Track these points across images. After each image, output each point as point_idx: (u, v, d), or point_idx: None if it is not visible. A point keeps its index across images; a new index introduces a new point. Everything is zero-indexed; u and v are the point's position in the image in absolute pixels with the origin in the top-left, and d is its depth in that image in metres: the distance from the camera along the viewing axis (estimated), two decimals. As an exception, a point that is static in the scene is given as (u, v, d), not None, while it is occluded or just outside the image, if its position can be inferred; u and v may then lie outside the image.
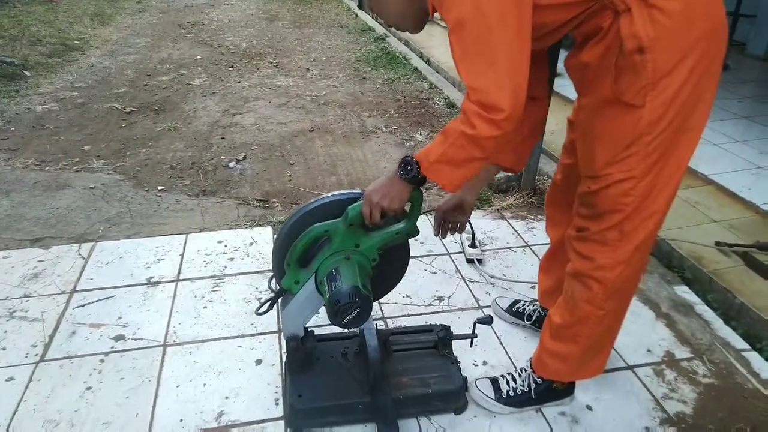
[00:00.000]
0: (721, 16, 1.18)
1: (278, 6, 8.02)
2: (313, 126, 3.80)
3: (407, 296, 2.08)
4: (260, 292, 2.10)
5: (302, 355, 1.59)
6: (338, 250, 1.43)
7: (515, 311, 1.94)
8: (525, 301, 1.96)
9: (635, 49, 1.15)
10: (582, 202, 1.37)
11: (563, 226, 1.58)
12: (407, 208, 1.44)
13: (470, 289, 2.14)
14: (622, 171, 1.24)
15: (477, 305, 2.06)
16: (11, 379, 1.71)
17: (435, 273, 2.23)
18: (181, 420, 1.58)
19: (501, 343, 1.88)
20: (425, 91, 4.53)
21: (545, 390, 1.61)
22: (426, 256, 2.34)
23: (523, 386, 1.63)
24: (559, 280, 1.75)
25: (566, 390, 1.63)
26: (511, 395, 1.63)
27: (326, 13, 7.54)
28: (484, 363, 1.81)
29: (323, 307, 1.44)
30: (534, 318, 1.89)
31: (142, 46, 5.84)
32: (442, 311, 2.02)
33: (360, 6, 7.85)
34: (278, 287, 1.54)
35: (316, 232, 1.42)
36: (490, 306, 2.04)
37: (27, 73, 4.87)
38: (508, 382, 1.65)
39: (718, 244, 2.35)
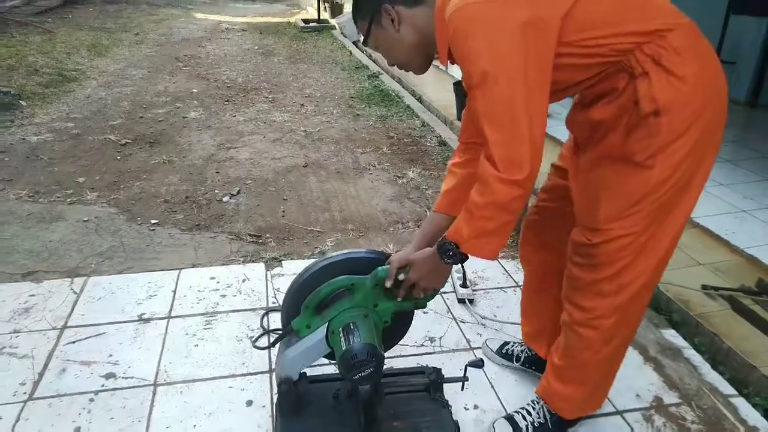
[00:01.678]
0: (724, 80, 1.25)
1: (274, 41, 8.18)
2: (307, 161, 3.85)
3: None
4: (252, 330, 2.10)
5: (293, 398, 1.59)
6: (358, 305, 1.45)
7: (505, 353, 1.96)
8: (514, 343, 1.99)
9: (651, 112, 1.19)
10: (577, 251, 1.39)
11: (533, 264, 1.72)
12: None
13: (461, 330, 2.16)
14: (624, 227, 1.28)
15: (468, 346, 2.07)
16: (-1, 418, 1.69)
17: (427, 313, 2.24)
18: (171, 463, 1.57)
19: (492, 387, 1.89)
20: (417, 129, 4.62)
21: (558, 420, 1.65)
22: (418, 295, 2.35)
23: (539, 418, 1.66)
24: (540, 322, 1.80)
25: (575, 419, 1.68)
26: (530, 429, 1.65)
27: (321, 50, 7.70)
28: (476, 407, 1.82)
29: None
30: (522, 359, 1.92)
31: (139, 78, 5.92)
32: (434, 352, 2.03)
33: (355, 43, 8.03)
34: (287, 326, 1.54)
35: (343, 282, 1.44)
36: (480, 347, 2.05)
37: (23, 102, 4.91)
38: (524, 417, 1.68)
39: (704, 287, 2.39)
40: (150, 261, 2.58)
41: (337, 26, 8.40)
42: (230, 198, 3.28)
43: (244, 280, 2.41)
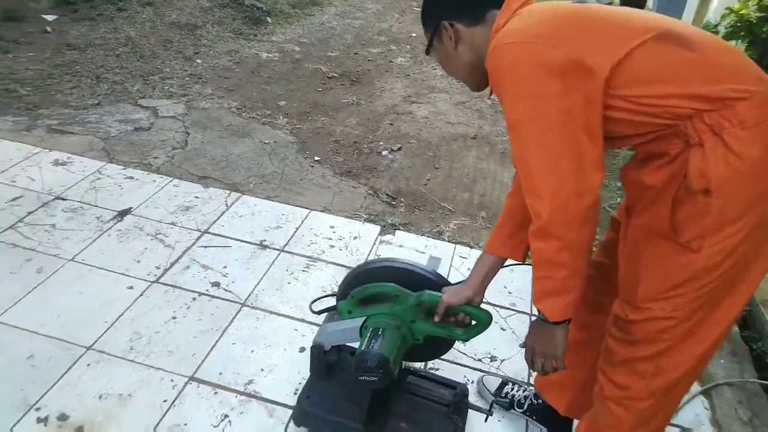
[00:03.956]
0: None
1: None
2: (477, 133, 3.81)
3: (463, 342, 2.09)
4: (332, 288, 2.29)
5: (322, 363, 1.75)
6: (396, 314, 1.52)
7: (504, 396, 1.85)
8: (513, 384, 1.88)
9: (701, 190, 1.05)
10: (616, 323, 1.29)
11: (577, 323, 1.52)
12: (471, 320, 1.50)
13: (529, 359, 2.07)
14: (665, 310, 1.17)
15: (526, 380, 1.99)
16: (131, 288, 2.19)
17: (504, 330, 2.19)
18: (220, 373, 1.89)
19: (527, 425, 1.82)
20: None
21: None
22: (506, 308, 2.29)
23: None
24: (569, 376, 1.63)
25: None
26: None
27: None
28: (496, 440, 1.78)
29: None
30: (526, 407, 1.81)
31: (371, 13, 6.29)
32: (488, 372, 2.00)
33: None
34: (336, 303, 1.70)
35: (389, 289, 1.51)
36: (477, 385, 1.95)
37: (269, 19, 5.63)
38: None
39: None
40: (294, 194, 2.92)
41: None
42: (389, 153, 3.45)
43: (355, 237, 2.60)
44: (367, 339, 1.50)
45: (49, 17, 4.95)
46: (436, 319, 1.49)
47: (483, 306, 1.50)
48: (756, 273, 1.14)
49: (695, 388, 1.98)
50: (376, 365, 1.44)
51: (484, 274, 1.47)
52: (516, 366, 2.01)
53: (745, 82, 1.04)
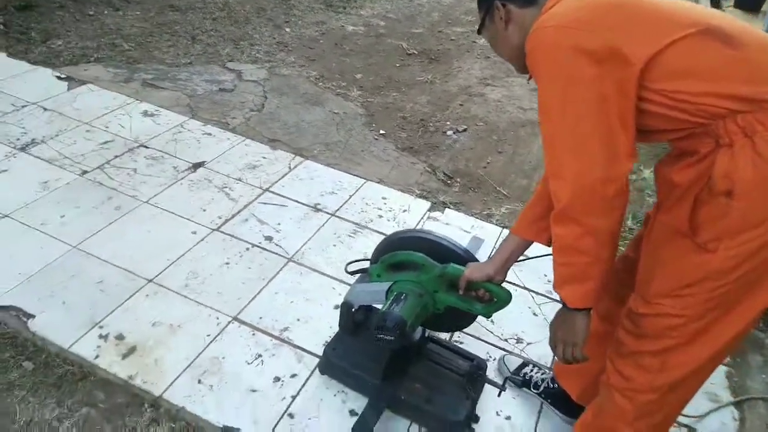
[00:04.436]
0: None
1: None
2: (549, 122, 3.73)
3: (492, 320, 2.14)
4: (381, 254, 2.39)
5: (350, 320, 1.87)
6: (420, 282, 1.61)
7: (523, 377, 1.88)
8: (533, 366, 1.90)
9: (724, 191, 1.05)
10: (628, 315, 1.31)
11: (600, 314, 1.56)
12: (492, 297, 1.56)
13: (556, 347, 2.08)
14: (675, 307, 1.18)
15: (549, 366, 2.00)
16: (194, 233, 2.41)
17: (536, 315, 2.20)
18: (261, 318, 2.05)
19: (540, 409, 1.85)
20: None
21: None
22: (542, 295, 2.30)
23: None
24: (585, 366, 1.63)
25: None
26: None
27: None
28: (508, 418, 1.83)
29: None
30: (542, 389, 1.83)
31: (463, -8, 6.23)
32: (511, 353, 2.04)
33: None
34: (369, 266, 1.81)
35: (416, 258, 1.60)
36: (497, 363, 1.98)
37: (360, -7, 5.73)
38: None
39: None
40: (354, 164, 3.04)
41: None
42: (454, 133, 3.48)
43: (404, 210, 2.68)
44: (390, 301, 1.59)
45: (158, -20, 5.32)
46: (460, 292, 1.55)
47: (512, 287, 1.54)
48: None
49: (727, 396, 1.92)
50: (394, 326, 1.53)
51: (508, 255, 1.52)
52: (540, 351, 2.03)
53: None
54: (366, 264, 1.82)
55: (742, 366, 2.07)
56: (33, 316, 1.95)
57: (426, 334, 1.89)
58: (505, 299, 1.54)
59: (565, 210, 1.12)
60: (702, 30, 1.04)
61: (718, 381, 1.99)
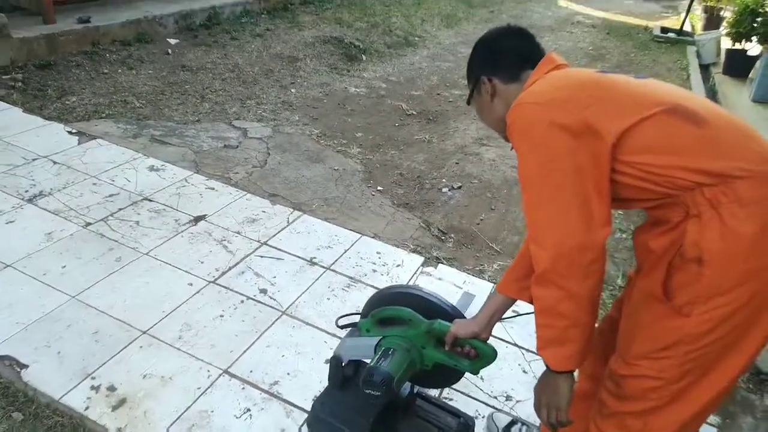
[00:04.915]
0: None
1: (614, 45, 7.77)
2: (543, 181, 3.83)
3: (481, 377, 2.15)
4: (374, 308, 2.43)
5: (339, 374, 1.88)
6: (408, 338, 1.64)
7: None
8: (522, 424, 1.89)
9: (694, 259, 1.10)
10: (610, 376, 1.33)
11: (586, 374, 1.60)
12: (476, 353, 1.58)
13: (546, 406, 2.07)
14: (653, 369, 1.21)
15: (538, 425, 2.00)
16: (190, 284, 2.46)
17: (525, 372, 2.21)
18: (251, 371, 2.07)
19: (526, 471, 1.84)
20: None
21: None
22: (532, 352, 2.31)
23: None
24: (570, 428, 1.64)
25: None
26: None
27: (658, 66, 7.01)
28: (495, 477, 1.81)
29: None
30: None
31: (461, 57, 6.49)
32: (500, 410, 2.03)
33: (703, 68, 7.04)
34: (358, 321, 1.84)
35: (404, 314, 1.64)
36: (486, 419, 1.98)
37: (364, 57, 6.00)
38: None
39: None
40: (351, 219, 3.12)
41: (695, 43, 7.48)
42: (449, 191, 3.57)
43: (398, 265, 2.74)
44: (378, 356, 1.62)
45: (172, 41, 5.61)
46: (446, 347, 1.58)
47: (502, 344, 1.56)
48: (749, 346, 1.15)
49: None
50: (381, 381, 1.55)
51: (492, 312, 1.55)
52: (529, 409, 2.02)
53: (748, 161, 1.09)
54: (356, 318, 1.86)
55: (732, 428, 2.06)
56: (27, 366, 1.98)
57: (414, 390, 1.90)
58: (490, 356, 1.57)
59: (545, 274, 1.17)
60: (668, 109, 1.14)
61: (708, 443, 1.98)
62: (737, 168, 1.07)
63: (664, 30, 8.37)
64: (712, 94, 6.22)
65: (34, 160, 3.27)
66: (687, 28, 8.35)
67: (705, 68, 7.11)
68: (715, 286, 1.09)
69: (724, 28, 7.69)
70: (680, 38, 8.03)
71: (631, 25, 9.01)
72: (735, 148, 1.11)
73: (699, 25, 8.93)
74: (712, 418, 2.08)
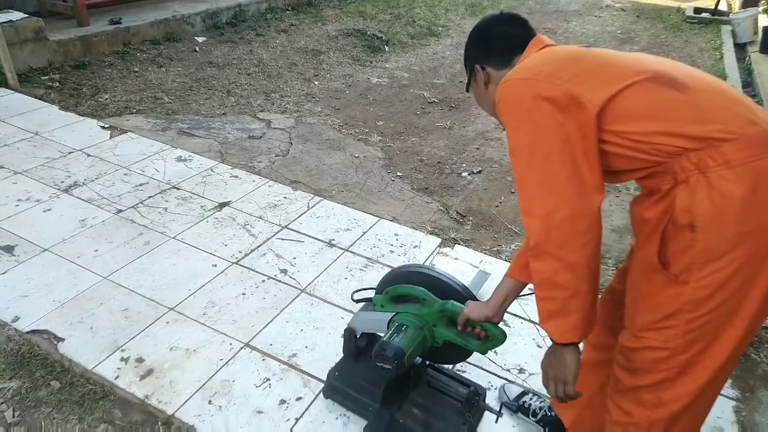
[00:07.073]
0: None
1: (644, 28, 7.60)
2: (564, 163, 3.81)
3: (495, 351, 2.17)
4: (390, 287, 2.48)
5: (352, 345, 1.95)
6: (420, 315, 1.70)
7: (521, 405, 1.90)
8: (533, 395, 1.92)
9: (687, 225, 1.11)
10: (621, 351, 1.34)
11: (592, 344, 1.61)
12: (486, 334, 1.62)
13: (559, 378, 2.10)
14: (659, 340, 1.21)
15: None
16: (215, 265, 2.56)
17: (540, 347, 2.23)
18: (271, 345, 2.16)
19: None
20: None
21: None
22: (547, 327, 2.33)
23: None
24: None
25: None
26: None
27: (690, 46, 6.83)
28: (506, 444, 1.85)
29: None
30: (539, 417, 1.84)
31: (485, 44, 6.47)
32: (513, 382, 2.07)
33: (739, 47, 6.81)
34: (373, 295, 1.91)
35: (418, 292, 1.70)
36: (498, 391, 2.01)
37: (386, 48, 6.04)
38: None
39: None
40: (369, 203, 3.18)
41: (731, 22, 7.25)
42: (468, 175, 3.59)
43: (415, 246, 2.78)
44: (391, 332, 1.68)
45: (200, 39, 5.78)
46: (459, 327, 1.63)
47: (517, 320, 1.59)
48: (747, 311, 1.14)
49: (731, 432, 1.89)
50: (393, 356, 1.61)
51: (504, 297, 1.56)
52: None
53: (733, 124, 1.09)
54: (371, 293, 1.92)
55: (751, 401, 2.03)
56: (63, 340, 2.11)
57: (426, 360, 1.95)
58: (499, 338, 1.60)
59: (539, 245, 1.19)
60: (649, 77, 1.15)
61: (725, 416, 1.96)
62: (721, 131, 1.08)
63: (698, 10, 8.13)
64: (747, 73, 6.04)
65: (69, 153, 3.45)
66: (723, 7, 8.10)
67: (741, 47, 6.90)
68: (709, 251, 1.09)
69: (762, 5, 7.45)
70: (714, 18, 7.79)
71: (662, 7, 8.77)
72: (719, 111, 1.12)
73: (736, 4, 8.64)
74: (731, 392, 2.06)
